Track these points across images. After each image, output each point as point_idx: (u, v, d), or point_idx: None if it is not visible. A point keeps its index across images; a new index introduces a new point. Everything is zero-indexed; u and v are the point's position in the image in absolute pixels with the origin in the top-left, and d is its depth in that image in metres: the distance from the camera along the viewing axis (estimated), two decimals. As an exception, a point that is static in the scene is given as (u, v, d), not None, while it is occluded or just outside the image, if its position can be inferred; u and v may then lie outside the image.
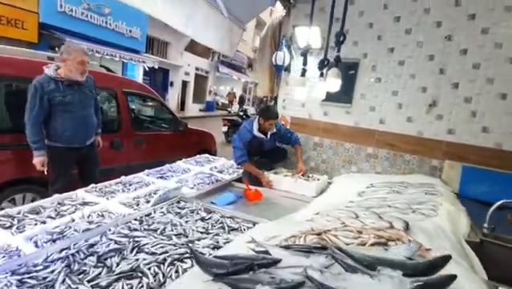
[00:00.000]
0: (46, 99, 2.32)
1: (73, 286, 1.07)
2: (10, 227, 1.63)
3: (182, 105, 14.65)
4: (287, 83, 3.33)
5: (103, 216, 1.87)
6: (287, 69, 3.34)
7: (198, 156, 3.78)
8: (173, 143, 4.38)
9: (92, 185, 2.35)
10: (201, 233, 1.63)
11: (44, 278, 1.10)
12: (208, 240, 1.54)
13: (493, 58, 2.50)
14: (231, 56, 4.50)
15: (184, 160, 3.50)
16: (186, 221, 1.76)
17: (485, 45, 2.52)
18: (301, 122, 3.30)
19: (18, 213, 1.79)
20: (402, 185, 2.34)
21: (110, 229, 1.59)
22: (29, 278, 1.09)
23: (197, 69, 15.64)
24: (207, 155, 3.90)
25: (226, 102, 18.94)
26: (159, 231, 1.59)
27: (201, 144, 5.05)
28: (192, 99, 15.72)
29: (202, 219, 1.83)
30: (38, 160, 2.38)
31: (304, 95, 2.64)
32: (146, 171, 2.88)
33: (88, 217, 1.83)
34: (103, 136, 3.11)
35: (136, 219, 1.77)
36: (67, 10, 8.13)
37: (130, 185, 2.49)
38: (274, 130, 2.91)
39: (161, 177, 2.80)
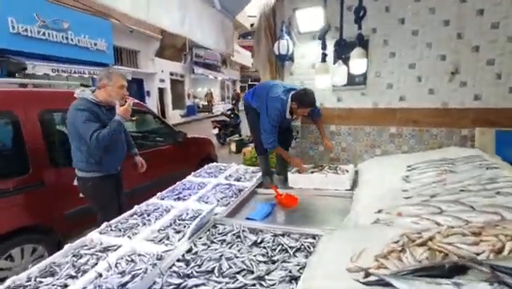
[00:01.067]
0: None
1: None
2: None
3: (163, 114, 14.01)
4: (291, 73, 3.06)
5: (133, 261, 1.55)
6: (291, 58, 3.07)
7: (207, 166, 3.49)
8: (174, 156, 4.04)
9: (105, 223, 2.01)
10: (265, 262, 1.37)
11: None
12: (278, 271, 1.28)
13: (510, 15, 2.37)
14: (230, 53, 4.16)
15: (194, 173, 3.20)
16: (239, 250, 1.49)
17: (502, 2, 2.38)
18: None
19: (29, 279, 1.44)
20: (446, 162, 2.18)
21: (156, 282, 1.29)
22: None
23: (171, 74, 14.98)
24: (216, 164, 3.62)
25: (206, 104, 18.45)
26: (216, 272, 1.30)
27: (202, 152, 4.73)
28: (171, 106, 15.08)
29: (255, 244, 1.56)
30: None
31: (328, 82, 2.39)
32: (159, 194, 2.55)
33: (116, 266, 1.51)
34: None
35: (179, 260, 1.47)
36: (21, 30, 7.34)
37: (148, 215, 2.16)
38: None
39: (178, 198, 2.48)
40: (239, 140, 7.78)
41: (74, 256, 1.64)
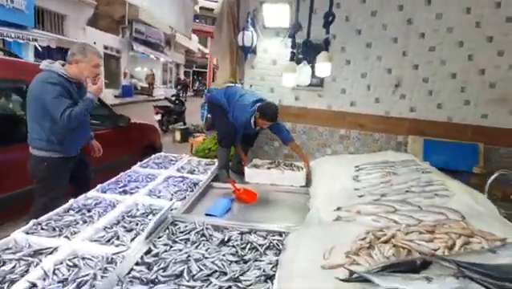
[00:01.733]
0: None
1: None
2: None
3: (93, 92, 12.36)
4: (253, 66, 3.03)
5: (76, 266, 1.33)
6: (253, 50, 3.03)
7: (155, 156, 3.23)
8: (114, 142, 3.60)
9: (33, 221, 1.67)
10: (236, 262, 1.32)
11: None
12: (253, 271, 1.25)
13: (445, 41, 2.78)
14: (189, 36, 3.85)
15: (140, 163, 2.91)
16: (207, 250, 1.40)
17: (439, 30, 2.78)
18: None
19: None
20: (388, 164, 2.45)
21: (114, 290, 1.12)
22: None
23: (105, 48, 13.25)
24: (164, 154, 3.37)
25: (145, 86, 16.99)
26: (186, 275, 1.20)
27: (145, 140, 4.36)
28: (103, 85, 13.43)
29: (223, 242, 1.49)
30: None
31: (294, 81, 2.41)
32: (99, 186, 2.24)
33: (55, 273, 1.27)
34: (19, 148, 2.33)
35: (137, 264, 1.31)
36: None
37: (89, 210, 1.87)
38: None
39: (124, 192, 2.23)
40: (184, 129, 7.42)
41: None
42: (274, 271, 1.24)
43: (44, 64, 2.02)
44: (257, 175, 2.73)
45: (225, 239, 1.52)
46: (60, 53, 10.33)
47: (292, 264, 1.23)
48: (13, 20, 7.73)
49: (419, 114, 2.98)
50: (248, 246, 1.46)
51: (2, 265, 1.30)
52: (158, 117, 7.74)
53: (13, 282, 1.19)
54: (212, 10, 3.99)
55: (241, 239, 1.52)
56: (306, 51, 2.31)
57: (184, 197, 2.18)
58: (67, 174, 2.20)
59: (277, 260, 1.34)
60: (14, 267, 1.28)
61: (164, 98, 9.28)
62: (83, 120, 2.08)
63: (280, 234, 1.60)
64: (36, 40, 8.05)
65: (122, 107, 12.31)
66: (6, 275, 1.23)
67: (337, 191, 2.12)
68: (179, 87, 14.48)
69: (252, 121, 2.55)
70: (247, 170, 2.74)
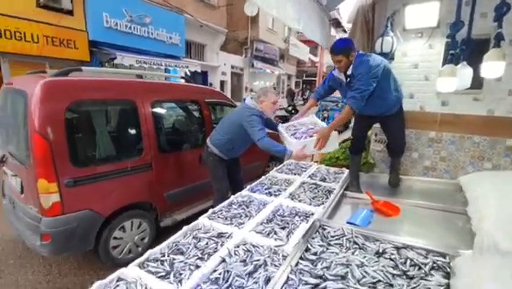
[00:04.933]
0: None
1: None
2: (166, 277, 1.41)
3: (221, 106, 14.56)
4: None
5: (249, 251, 1.61)
6: (391, 57, 2.87)
7: (287, 162, 3.50)
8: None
9: (211, 210, 2.14)
10: (399, 276, 1.30)
11: None
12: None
13: None
14: (326, 48, 4.08)
15: (276, 168, 3.24)
16: (364, 258, 1.44)
17: None
18: (410, 116, 2.79)
19: (163, 255, 1.60)
20: None
21: (289, 278, 1.31)
22: None
23: (232, 67, 15.41)
24: (293, 161, 3.60)
25: (262, 98, 18.54)
26: (351, 278, 1.27)
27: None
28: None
29: (378, 253, 1.49)
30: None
31: (454, 86, 2.14)
32: (249, 187, 2.64)
33: (236, 254, 1.58)
34: (191, 152, 3.17)
35: (302, 258, 1.48)
36: (113, 24, 8.22)
37: (247, 206, 2.24)
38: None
39: (269, 194, 2.52)
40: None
41: (193, 238, 1.76)
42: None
43: (249, 99, 2.71)
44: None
45: (380, 251, 1.51)
46: (201, 74, 12.72)
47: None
48: (171, 52, 10.12)
49: None
50: (408, 262, 1.40)
51: (199, 241, 1.73)
52: (277, 126, 8.34)
53: (209, 255, 1.57)
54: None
55: (398, 254, 1.48)
56: (465, 50, 2.01)
57: (322, 203, 2.28)
58: (224, 170, 2.78)
59: (447, 283, 1.24)
60: (207, 244, 1.69)
61: (280, 108, 9.94)
62: (261, 148, 2.46)
63: (443, 255, 1.46)
64: (187, 67, 10.23)
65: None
66: (204, 249, 1.62)
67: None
68: (290, 97, 15.07)
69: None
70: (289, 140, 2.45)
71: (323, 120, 5.98)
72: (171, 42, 10.04)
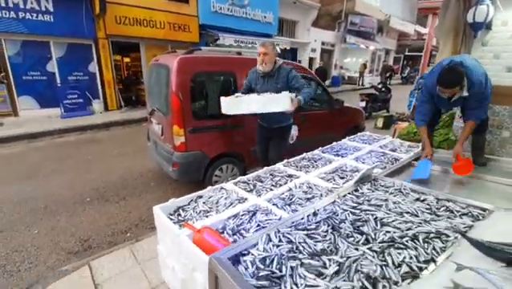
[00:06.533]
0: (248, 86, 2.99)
1: (352, 247, 1.26)
2: (251, 191, 2.08)
3: (308, 83, 14.72)
4: (484, 43, 2.71)
5: (310, 187, 2.12)
6: (488, 26, 2.70)
7: (360, 134, 3.74)
8: (329, 121, 4.49)
9: (285, 160, 2.71)
10: (429, 214, 1.60)
11: (324, 236, 1.35)
12: (443, 222, 1.50)
13: None
14: (412, 22, 3.98)
15: (348, 138, 3.54)
16: (403, 200, 1.77)
17: None
18: (506, 92, 2.63)
19: (249, 180, 2.28)
20: None
21: (335, 201, 1.79)
22: (311, 234, 1.36)
23: (322, 43, 15.20)
24: (368, 132, 3.80)
25: (353, 75, 17.69)
26: (384, 207, 1.66)
27: (352, 121, 4.98)
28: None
29: (418, 200, 1.79)
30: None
31: None
32: (320, 148, 3.08)
33: (300, 187, 2.12)
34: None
35: (349, 193, 1.92)
36: (218, 8, 9.41)
37: (315, 161, 2.72)
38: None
39: (337, 155, 2.92)
40: (388, 117, 7.39)
41: (271, 174, 2.39)
42: (466, 230, 1.41)
43: None
44: (234, 105, 2.74)
45: (421, 199, 1.79)
46: (290, 51, 13.13)
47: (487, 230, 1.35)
48: (264, 31, 10.85)
49: None
50: (443, 208, 1.66)
51: (274, 177, 2.33)
52: (362, 104, 8.13)
53: (280, 185, 2.16)
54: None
55: (437, 203, 1.73)
56: None
57: (385, 167, 2.55)
58: (262, 136, 3.16)
59: (471, 226, 1.47)
60: (279, 179, 2.28)
61: (370, 86, 9.48)
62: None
63: (483, 209, 1.64)
64: (278, 45, 10.83)
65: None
66: (277, 182, 2.22)
67: None
68: (387, 74, 13.86)
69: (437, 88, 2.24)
70: (223, 99, 2.78)
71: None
72: (265, 21, 10.73)
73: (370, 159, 2.78)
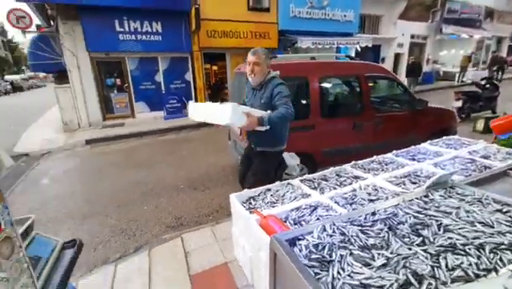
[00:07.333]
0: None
1: (405, 246, 1.32)
2: (315, 188, 2.24)
3: (393, 81, 13.46)
4: None
5: (376, 190, 2.13)
6: None
7: (446, 137, 3.41)
8: (409, 122, 4.19)
9: (353, 162, 2.75)
10: (508, 226, 1.47)
11: (377, 233, 1.43)
12: (525, 240, 1.36)
13: None
14: None
15: (429, 141, 3.27)
16: (480, 210, 1.65)
17: None
18: None
19: (314, 178, 2.43)
20: None
21: (399, 204, 1.80)
22: (365, 230, 1.46)
23: (411, 37, 13.67)
24: (456, 136, 3.42)
25: (451, 70, 15.27)
26: (454, 215, 1.59)
27: (440, 124, 4.49)
28: (404, 74, 14.06)
29: (499, 211, 1.63)
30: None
31: None
32: (394, 152, 2.97)
33: (364, 188, 2.16)
34: (344, 119, 3.73)
35: (417, 198, 1.88)
36: (296, 13, 9.65)
37: (386, 164, 2.67)
38: None
39: (412, 159, 2.77)
40: (491, 118, 6.22)
41: (336, 175, 2.49)
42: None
43: None
44: (195, 111, 2.50)
45: (503, 210, 1.62)
46: (372, 49, 12.32)
47: None
48: (344, 30, 10.51)
49: None
50: (530, 221, 1.48)
51: (340, 177, 2.42)
52: (458, 104, 7.06)
53: (344, 185, 2.24)
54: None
55: (525, 215, 1.55)
56: None
57: (470, 175, 2.32)
58: (244, 156, 2.98)
59: None
60: (345, 180, 2.36)
61: (471, 82, 8.08)
62: None
63: None
64: (358, 43, 10.34)
65: (419, 94, 12.30)
66: (342, 182, 2.31)
67: None
68: (496, 67, 11.44)
69: None
70: (190, 103, 2.58)
71: None
72: (345, 20, 10.42)
73: (452, 165, 2.57)
